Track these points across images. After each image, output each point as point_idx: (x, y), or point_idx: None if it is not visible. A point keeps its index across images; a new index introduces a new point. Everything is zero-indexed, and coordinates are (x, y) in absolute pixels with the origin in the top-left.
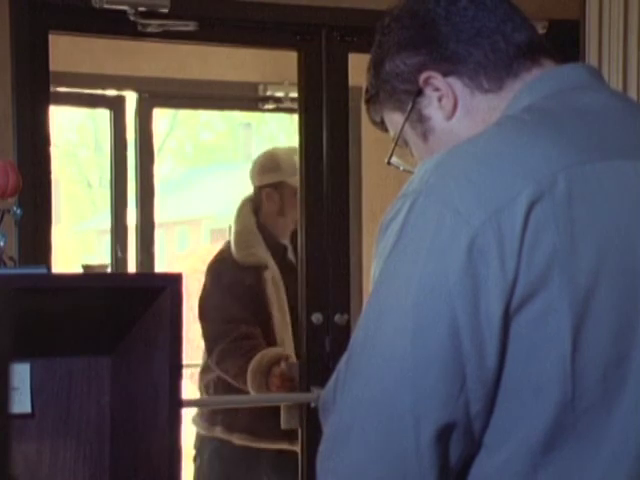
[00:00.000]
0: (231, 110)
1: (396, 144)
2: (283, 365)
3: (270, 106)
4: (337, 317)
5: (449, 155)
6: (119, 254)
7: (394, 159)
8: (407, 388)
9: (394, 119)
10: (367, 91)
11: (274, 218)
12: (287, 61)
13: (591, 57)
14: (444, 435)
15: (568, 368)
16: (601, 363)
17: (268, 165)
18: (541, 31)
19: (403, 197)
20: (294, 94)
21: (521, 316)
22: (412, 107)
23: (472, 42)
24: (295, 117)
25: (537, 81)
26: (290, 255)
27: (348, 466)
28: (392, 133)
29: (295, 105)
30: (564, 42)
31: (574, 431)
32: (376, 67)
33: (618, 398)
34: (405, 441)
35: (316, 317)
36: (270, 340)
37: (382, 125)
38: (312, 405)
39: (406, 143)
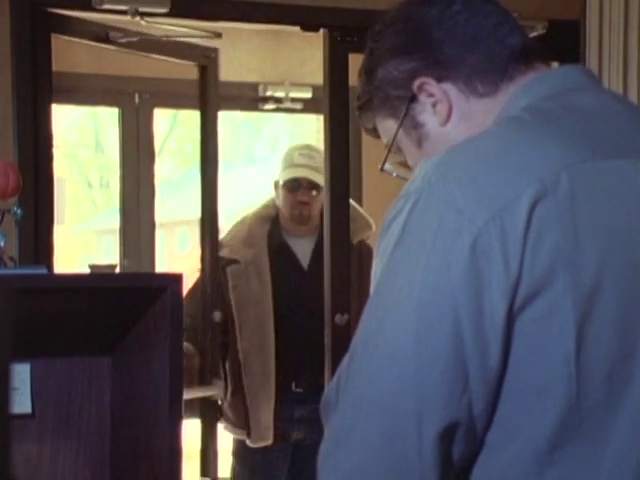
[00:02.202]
0: (231, 110)
1: (389, 151)
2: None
3: (270, 106)
4: (337, 317)
5: (450, 154)
6: (125, 263)
7: (387, 166)
8: (410, 388)
9: (387, 126)
10: (359, 98)
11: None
12: (287, 61)
13: (591, 57)
14: (447, 435)
15: (572, 367)
16: (606, 362)
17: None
18: (541, 31)
19: (405, 196)
20: (294, 94)
21: (525, 315)
22: (406, 113)
23: (466, 47)
24: (295, 117)
25: (534, 82)
26: (302, 255)
27: (350, 466)
28: (385, 140)
29: (295, 105)
30: (564, 42)
31: (580, 430)
32: (368, 74)
33: (624, 396)
34: (407, 441)
35: (217, 315)
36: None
37: (375, 132)
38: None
39: (400, 150)
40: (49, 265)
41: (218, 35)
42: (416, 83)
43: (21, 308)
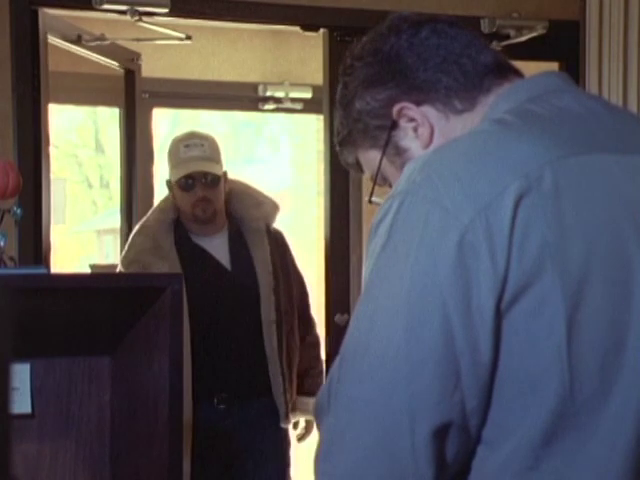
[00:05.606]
0: (231, 110)
1: (375, 182)
2: None
3: (270, 106)
4: (337, 317)
5: (435, 154)
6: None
7: (375, 198)
8: (402, 387)
9: (370, 157)
10: (338, 133)
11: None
12: (287, 61)
13: (591, 57)
14: (440, 433)
15: (564, 359)
16: (598, 352)
17: None
18: (541, 31)
19: (391, 198)
20: (294, 94)
21: (515, 310)
22: (388, 141)
23: (440, 68)
24: (295, 117)
25: (513, 89)
26: (220, 255)
27: (345, 468)
28: (369, 173)
29: (295, 105)
30: (564, 42)
31: (575, 421)
32: (345, 108)
33: (614, 384)
34: (401, 440)
35: None
36: None
37: (357, 166)
38: None
39: (385, 180)
40: (48, 265)
41: (188, 37)
42: (395, 109)
43: (21, 308)
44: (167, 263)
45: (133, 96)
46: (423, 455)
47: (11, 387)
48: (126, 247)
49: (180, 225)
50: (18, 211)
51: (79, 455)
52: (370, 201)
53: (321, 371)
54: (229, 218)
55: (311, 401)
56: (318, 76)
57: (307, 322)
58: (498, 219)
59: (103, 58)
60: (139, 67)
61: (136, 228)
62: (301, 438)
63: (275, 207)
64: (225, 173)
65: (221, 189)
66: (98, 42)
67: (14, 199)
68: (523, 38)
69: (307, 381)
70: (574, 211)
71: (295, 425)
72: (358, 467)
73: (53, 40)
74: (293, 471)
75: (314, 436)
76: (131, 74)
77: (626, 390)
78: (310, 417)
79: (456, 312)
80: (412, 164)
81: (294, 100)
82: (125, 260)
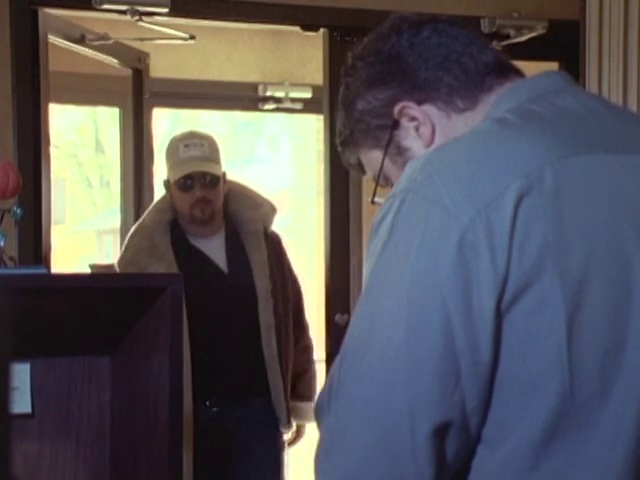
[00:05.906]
0: (231, 110)
1: (377, 183)
2: None
3: (270, 106)
4: (337, 317)
5: (436, 153)
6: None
7: (377, 198)
8: (402, 386)
9: (372, 157)
10: (340, 134)
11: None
12: (287, 61)
13: (591, 57)
14: (440, 432)
15: (565, 359)
16: (599, 352)
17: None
18: (541, 31)
19: (392, 197)
20: (294, 94)
21: (515, 310)
22: (390, 140)
23: (441, 67)
24: (295, 117)
25: (514, 89)
26: (217, 258)
27: (345, 468)
28: (371, 174)
29: (295, 105)
30: (564, 42)
31: (575, 421)
32: (347, 108)
33: (615, 385)
34: (401, 440)
35: None
36: None
37: (359, 167)
38: None
39: (387, 180)
40: (48, 265)
41: (192, 37)
42: (397, 108)
43: (21, 308)
44: (164, 264)
45: (141, 96)
46: (423, 455)
47: (11, 387)
48: (123, 248)
49: (177, 226)
50: (18, 211)
51: (79, 455)
52: (373, 202)
53: (313, 375)
54: (226, 219)
55: (303, 405)
56: (318, 76)
57: (300, 326)
58: (499, 219)
59: (110, 58)
60: (147, 67)
61: (133, 229)
62: (291, 443)
63: (273, 209)
64: (224, 174)
65: (220, 190)
66: (102, 42)
67: (14, 199)
68: (523, 38)
69: (299, 385)
70: (574, 211)
71: None
72: (358, 467)
73: (56, 40)
74: (286, 472)
75: (303, 441)
76: (139, 74)
77: (626, 390)
78: (301, 422)
79: (456, 312)
80: (413, 163)
81: (294, 100)
82: (122, 261)
